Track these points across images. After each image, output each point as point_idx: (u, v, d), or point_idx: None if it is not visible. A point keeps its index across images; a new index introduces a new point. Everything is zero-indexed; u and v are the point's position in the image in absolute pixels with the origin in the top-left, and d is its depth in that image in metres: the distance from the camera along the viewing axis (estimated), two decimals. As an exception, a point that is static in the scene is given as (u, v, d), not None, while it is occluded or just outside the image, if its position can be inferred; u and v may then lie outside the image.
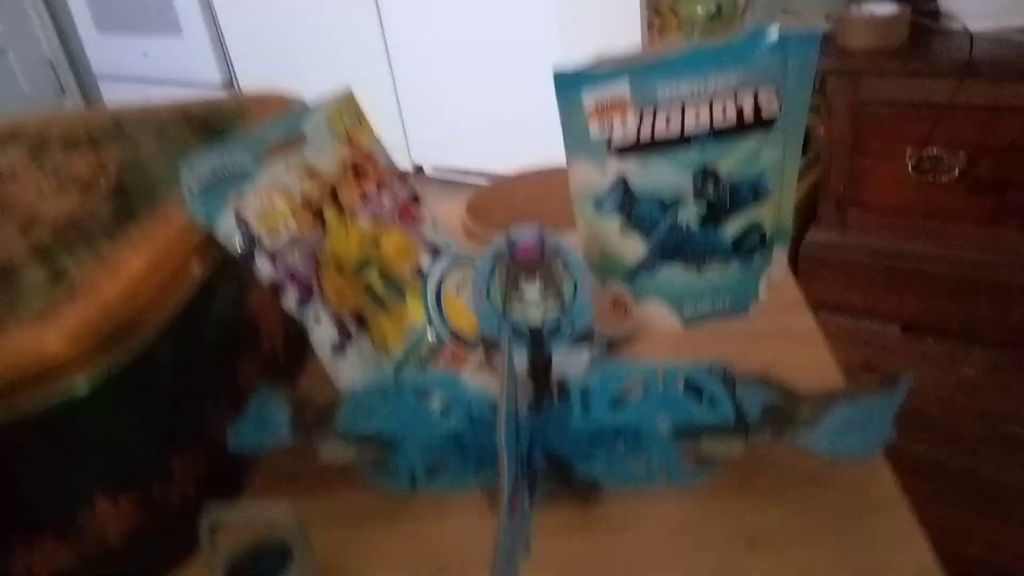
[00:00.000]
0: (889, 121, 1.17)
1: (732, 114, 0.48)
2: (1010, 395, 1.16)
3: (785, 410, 0.41)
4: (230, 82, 2.44)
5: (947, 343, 1.22)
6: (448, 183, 2.02)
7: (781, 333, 0.55)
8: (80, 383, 0.38)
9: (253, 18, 2.21)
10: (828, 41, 1.21)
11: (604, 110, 0.49)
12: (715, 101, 0.48)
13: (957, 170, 1.13)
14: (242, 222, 0.46)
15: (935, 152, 1.14)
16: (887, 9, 1.16)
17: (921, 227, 1.21)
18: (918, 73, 1.12)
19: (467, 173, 1.97)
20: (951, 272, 1.19)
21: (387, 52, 2.00)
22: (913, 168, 1.17)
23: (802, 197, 1.30)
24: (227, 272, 0.49)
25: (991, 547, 1.15)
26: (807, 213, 1.31)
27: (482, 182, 0.78)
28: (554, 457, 0.44)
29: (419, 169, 2.12)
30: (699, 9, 1.50)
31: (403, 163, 2.05)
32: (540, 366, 0.45)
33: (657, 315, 0.57)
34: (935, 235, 1.20)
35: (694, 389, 0.42)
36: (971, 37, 1.09)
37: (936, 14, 1.20)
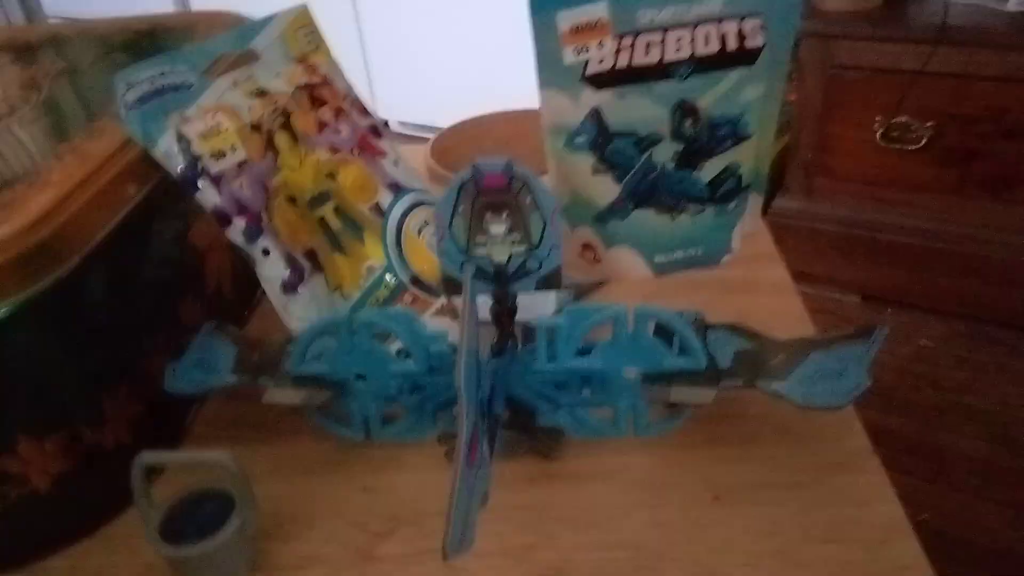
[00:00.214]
0: (860, 87, 1.17)
1: (715, 44, 0.46)
2: (965, 366, 1.18)
3: (758, 357, 0.40)
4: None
5: (906, 313, 1.23)
6: (415, 139, 1.98)
7: (754, 284, 0.54)
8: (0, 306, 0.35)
9: (212, -41, 2.11)
10: (804, 3, 1.19)
11: (580, 34, 0.46)
12: (698, 28, 0.45)
13: (925, 139, 1.13)
14: (183, 141, 0.43)
15: (903, 120, 1.14)
16: (864, -29, 1.14)
17: (886, 196, 1.21)
18: (891, 38, 1.11)
19: (434, 129, 1.92)
20: (913, 242, 1.20)
21: (354, 2, 1.93)
22: (881, 136, 1.16)
23: (771, 164, 1.29)
24: (168, 197, 0.45)
25: (942, 514, 1.18)
26: (775, 180, 1.30)
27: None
28: (516, 404, 0.42)
29: (385, 123, 2.06)
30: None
31: (366, 117, 2.00)
32: (504, 307, 0.43)
33: (627, 262, 0.54)
34: (899, 204, 1.20)
35: (665, 334, 0.40)
36: (946, 3, 1.08)
37: (913, -21, 1.19)
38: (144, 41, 0.57)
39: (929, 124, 1.11)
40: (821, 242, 1.26)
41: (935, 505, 1.17)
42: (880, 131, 1.15)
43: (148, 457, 0.37)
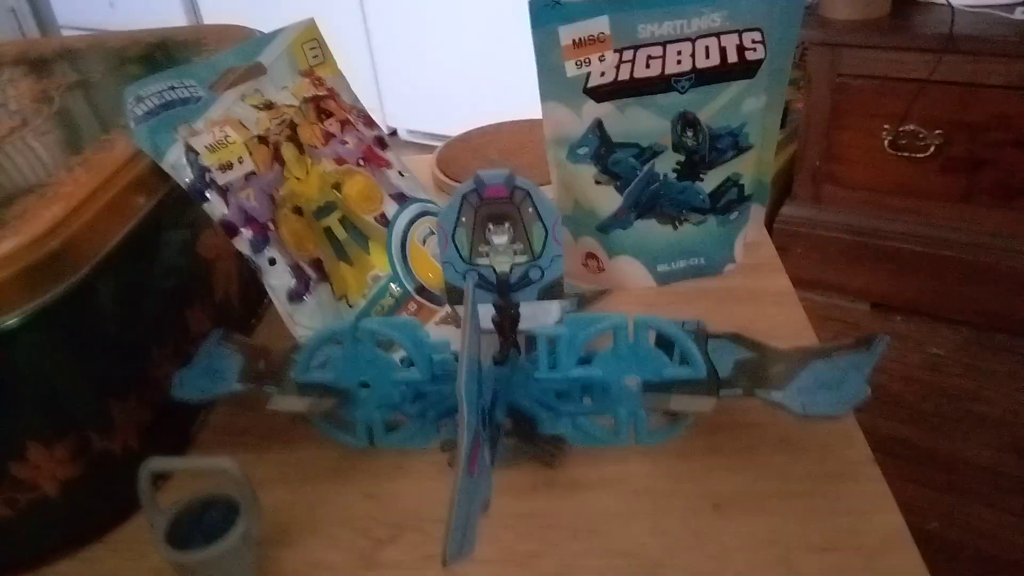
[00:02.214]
0: (868, 95, 1.17)
1: (716, 56, 0.46)
2: (975, 374, 1.17)
3: (758, 367, 0.40)
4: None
5: (915, 321, 1.23)
6: (422, 147, 1.99)
7: (756, 294, 0.54)
8: (10, 317, 0.35)
9: (223, -31, 2.14)
10: (811, 12, 1.20)
11: (581, 47, 0.46)
12: (698, 42, 0.46)
13: (932, 147, 1.13)
14: (192, 153, 0.43)
15: (911, 128, 1.14)
16: (871, -20, 1.14)
17: (894, 204, 1.21)
18: (898, 46, 1.11)
19: (441, 138, 1.93)
20: (922, 250, 1.20)
21: (363, 12, 1.94)
22: (889, 144, 1.16)
23: (778, 172, 1.30)
24: (176, 208, 0.46)
25: (951, 523, 1.17)
26: (783, 188, 1.30)
27: (457, 140, 0.75)
28: (518, 413, 0.42)
29: (393, 132, 2.08)
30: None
31: (376, 126, 2.01)
32: (506, 317, 0.43)
33: (630, 272, 0.55)
34: (908, 212, 1.20)
35: (665, 344, 0.40)
36: (952, 11, 1.08)
37: (919, -12, 1.19)
38: (156, 54, 0.58)
39: (937, 132, 1.11)
40: (829, 250, 1.26)
41: (944, 514, 1.16)
42: (888, 139, 1.15)
43: (155, 463, 0.37)
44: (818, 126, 1.23)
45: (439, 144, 0.73)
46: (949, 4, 1.11)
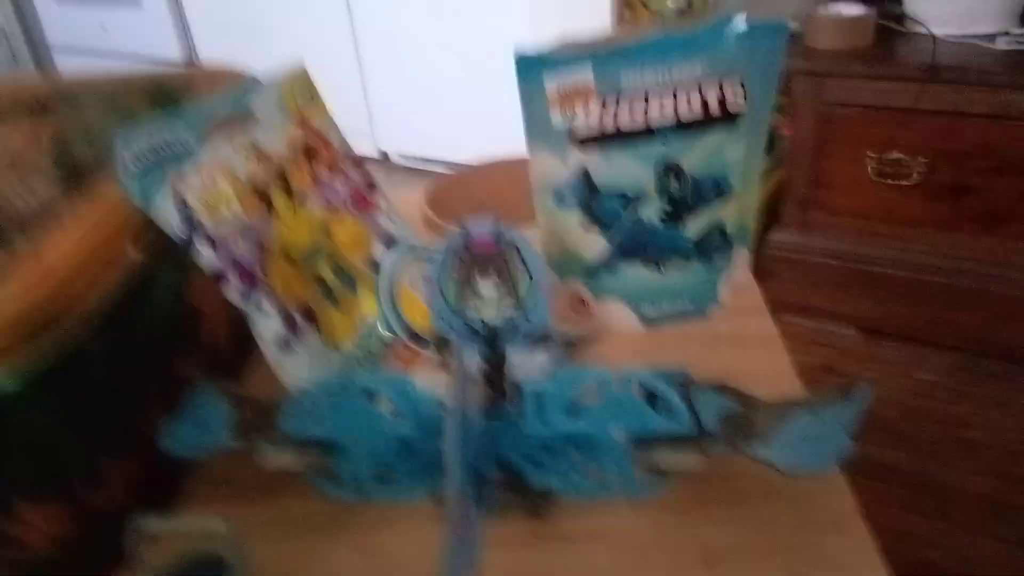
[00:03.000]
0: (853, 123, 1.18)
1: (697, 106, 0.47)
2: (965, 399, 1.18)
3: (744, 420, 0.40)
4: (190, 59, 2.37)
5: (904, 347, 1.23)
6: (414, 171, 1.99)
7: (741, 337, 0.54)
8: (1, 377, 0.35)
9: (216, -6, 2.15)
10: (795, 41, 1.21)
11: (567, 97, 0.47)
12: (679, 92, 0.47)
13: (916, 174, 1.14)
14: (182, 204, 0.44)
15: (896, 156, 1.15)
16: (854, 10, 1.16)
17: (880, 230, 1.22)
18: (882, 76, 1.13)
19: (433, 161, 1.94)
20: (909, 276, 1.21)
21: (354, 35, 1.95)
22: (874, 171, 1.18)
23: (766, 197, 1.31)
24: (166, 258, 0.46)
25: (943, 551, 1.17)
26: (771, 213, 1.31)
27: (448, 171, 0.75)
28: (506, 465, 0.42)
29: (384, 156, 2.08)
30: (669, 3, 1.49)
31: (368, 149, 2.01)
32: (494, 367, 0.43)
33: (618, 315, 0.55)
34: (894, 239, 1.21)
35: (651, 396, 0.40)
36: (935, 41, 1.09)
37: (902, 17, 1.21)
38: (148, 98, 0.58)
39: (921, 160, 1.12)
40: (817, 275, 1.27)
41: (939, 543, 1.17)
42: (873, 166, 1.16)
43: (144, 524, 0.37)
44: (804, 153, 1.24)
45: (430, 167, 0.74)
46: (931, 34, 1.12)
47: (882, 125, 1.14)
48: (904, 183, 1.16)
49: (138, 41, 2.41)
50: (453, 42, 1.81)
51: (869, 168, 1.17)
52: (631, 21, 1.56)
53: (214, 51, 2.27)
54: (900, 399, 1.22)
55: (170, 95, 0.58)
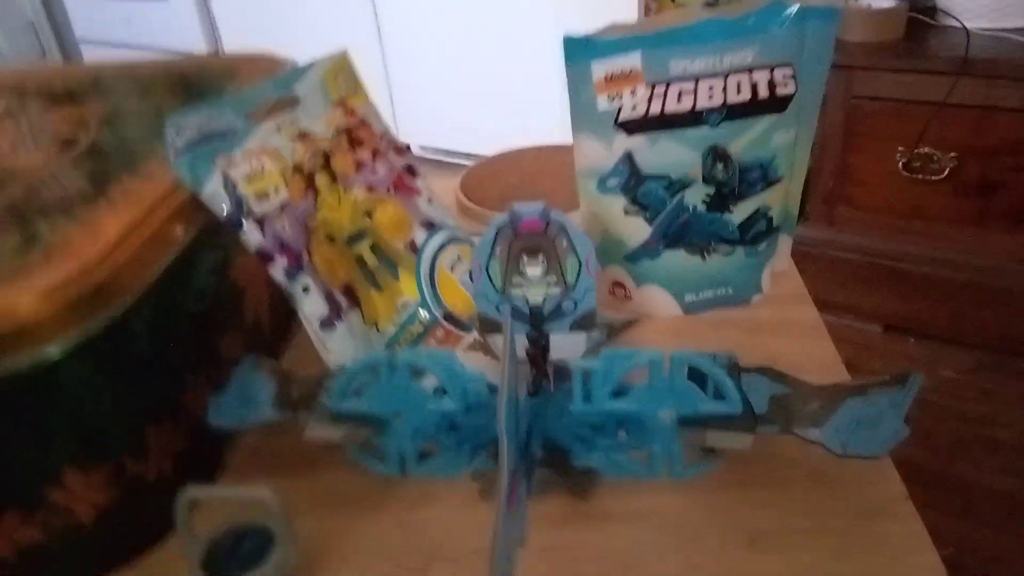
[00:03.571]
0: (882, 118, 1.17)
1: (747, 91, 0.46)
2: (988, 398, 1.17)
3: (793, 403, 0.40)
4: (215, 52, 2.38)
5: (928, 344, 1.23)
6: (436, 163, 2.00)
7: (784, 324, 0.54)
8: (52, 347, 0.36)
9: (239, -15, 2.16)
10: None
11: (614, 82, 0.47)
12: (729, 77, 0.46)
13: (947, 170, 1.13)
14: (230, 184, 0.44)
15: (926, 151, 1.14)
16: (885, 3, 1.15)
17: (907, 226, 1.21)
18: (913, 69, 1.12)
19: (455, 154, 1.94)
20: (935, 273, 1.20)
21: (378, 27, 1.96)
22: (903, 166, 1.17)
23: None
24: (212, 237, 0.46)
25: (966, 549, 1.16)
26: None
27: (470, 163, 0.76)
28: (551, 444, 0.43)
29: (407, 148, 2.09)
30: (697, -5, 1.48)
31: (388, 141, 2.02)
32: (539, 349, 0.44)
33: (657, 301, 0.55)
34: (921, 235, 1.20)
35: (698, 375, 0.40)
36: (967, 35, 1.08)
37: (933, 10, 1.20)
38: (190, 84, 0.59)
39: (951, 155, 1.11)
40: (842, 271, 1.26)
41: (959, 540, 1.16)
42: (902, 162, 1.15)
43: (193, 492, 0.38)
44: (832, 148, 1.23)
45: (452, 160, 0.74)
46: (964, 27, 1.11)
47: (912, 119, 1.13)
48: (933, 178, 1.15)
49: (163, 34, 2.43)
50: (476, 35, 1.81)
51: (898, 163, 1.17)
52: (657, 12, 1.56)
53: (238, 43, 2.28)
54: (924, 396, 1.20)
55: (209, 82, 0.58)
